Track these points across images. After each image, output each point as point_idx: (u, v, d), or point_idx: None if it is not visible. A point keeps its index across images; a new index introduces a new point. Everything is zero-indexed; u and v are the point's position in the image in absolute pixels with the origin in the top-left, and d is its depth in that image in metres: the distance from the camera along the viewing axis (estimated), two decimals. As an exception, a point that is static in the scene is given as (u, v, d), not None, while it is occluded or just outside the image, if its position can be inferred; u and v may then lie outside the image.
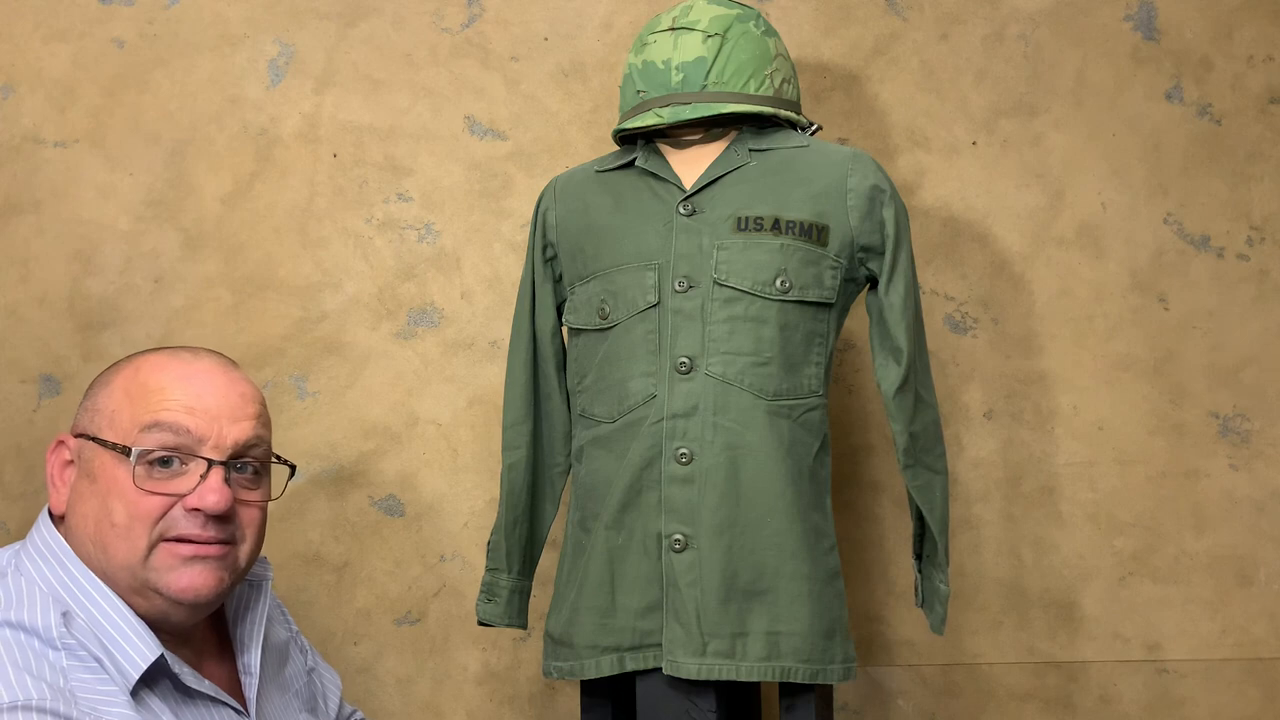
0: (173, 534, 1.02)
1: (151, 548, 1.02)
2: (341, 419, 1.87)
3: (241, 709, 1.07)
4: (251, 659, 1.10)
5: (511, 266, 1.88)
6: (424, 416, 1.87)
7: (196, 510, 1.03)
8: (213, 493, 1.03)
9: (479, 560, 1.83)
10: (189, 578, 1.02)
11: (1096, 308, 1.88)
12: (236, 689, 1.10)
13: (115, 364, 1.11)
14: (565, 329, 1.55)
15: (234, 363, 1.12)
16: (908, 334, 1.44)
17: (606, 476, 1.41)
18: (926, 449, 1.47)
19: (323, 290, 1.88)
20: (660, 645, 1.36)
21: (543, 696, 1.85)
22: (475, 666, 1.85)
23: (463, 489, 1.86)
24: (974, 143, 1.90)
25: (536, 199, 1.58)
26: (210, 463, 1.04)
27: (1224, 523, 1.85)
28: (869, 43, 1.91)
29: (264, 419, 1.10)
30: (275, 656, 1.19)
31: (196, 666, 1.06)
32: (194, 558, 1.03)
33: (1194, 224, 1.89)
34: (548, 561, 1.73)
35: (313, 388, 1.87)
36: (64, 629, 0.97)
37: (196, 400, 1.04)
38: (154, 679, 1.00)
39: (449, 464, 1.86)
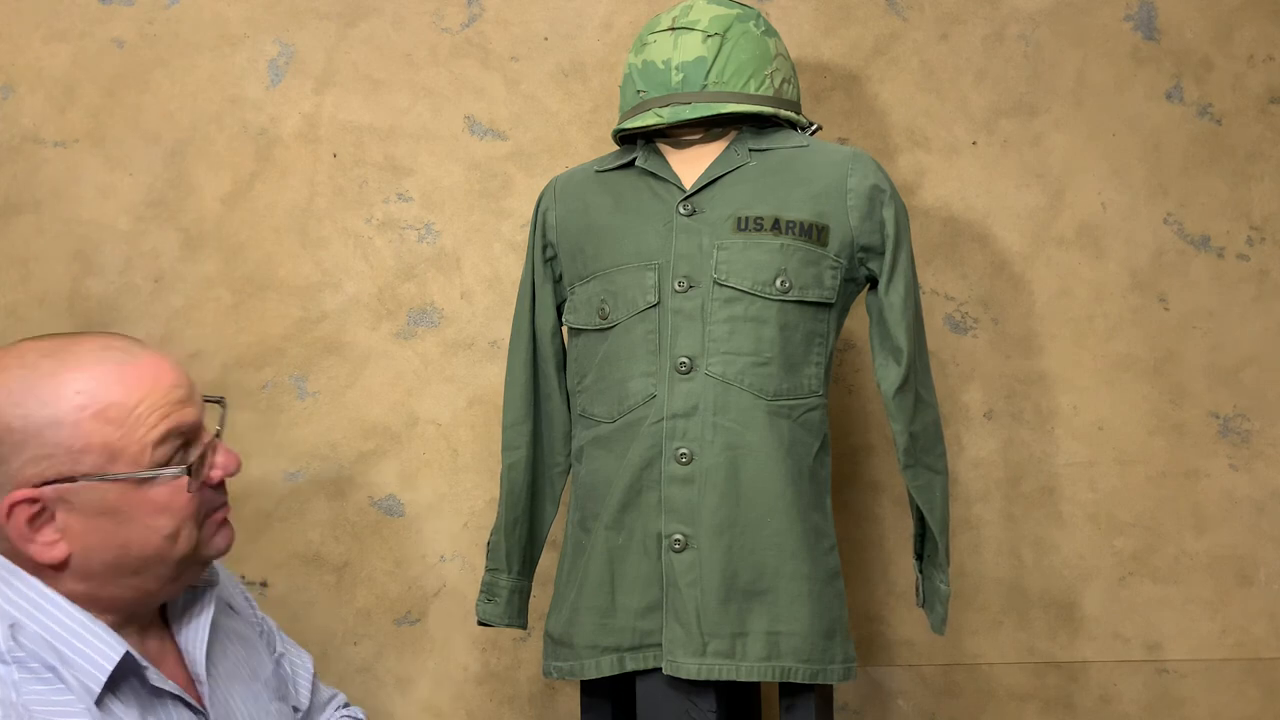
0: (207, 510, 1.06)
1: (200, 533, 1.05)
2: (341, 419, 1.87)
3: (201, 708, 1.06)
4: (199, 666, 1.09)
5: (511, 266, 1.88)
6: (424, 416, 1.87)
7: (219, 479, 1.06)
8: (226, 454, 1.07)
9: (479, 560, 1.83)
10: (224, 538, 1.08)
11: (1096, 308, 1.88)
12: (194, 689, 1.09)
13: (34, 400, 0.98)
14: (565, 329, 1.55)
15: (141, 340, 1.11)
16: (908, 334, 1.44)
17: (606, 476, 1.41)
18: (926, 449, 1.47)
19: (323, 290, 1.88)
20: (660, 645, 1.36)
21: (543, 696, 1.85)
22: (475, 666, 1.85)
23: (463, 489, 1.86)
24: (974, 143, 1.90)
25: (536, 199, 1.58)
26: (213, 438, 1.07)
27: (1224, 523, 1.85)
28: (869, 43, 1.91)
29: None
30: (239, 647, 1.18)
31: (157, 665, 1.05)
32: (225, 520, 1.08)
33: (1194, 224, 1.89)
34: (548, 561, 1.73)
35: (313, 388, 1.87)
36: (13, 642, 0.95)
37: (170, 393, 1.04)
38: (116, 682, 0.98)
39: (449, 464, 1.86)
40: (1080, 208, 1.89)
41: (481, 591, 1.57)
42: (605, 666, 1.38)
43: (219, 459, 1.06)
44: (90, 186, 1.88)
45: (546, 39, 1.92)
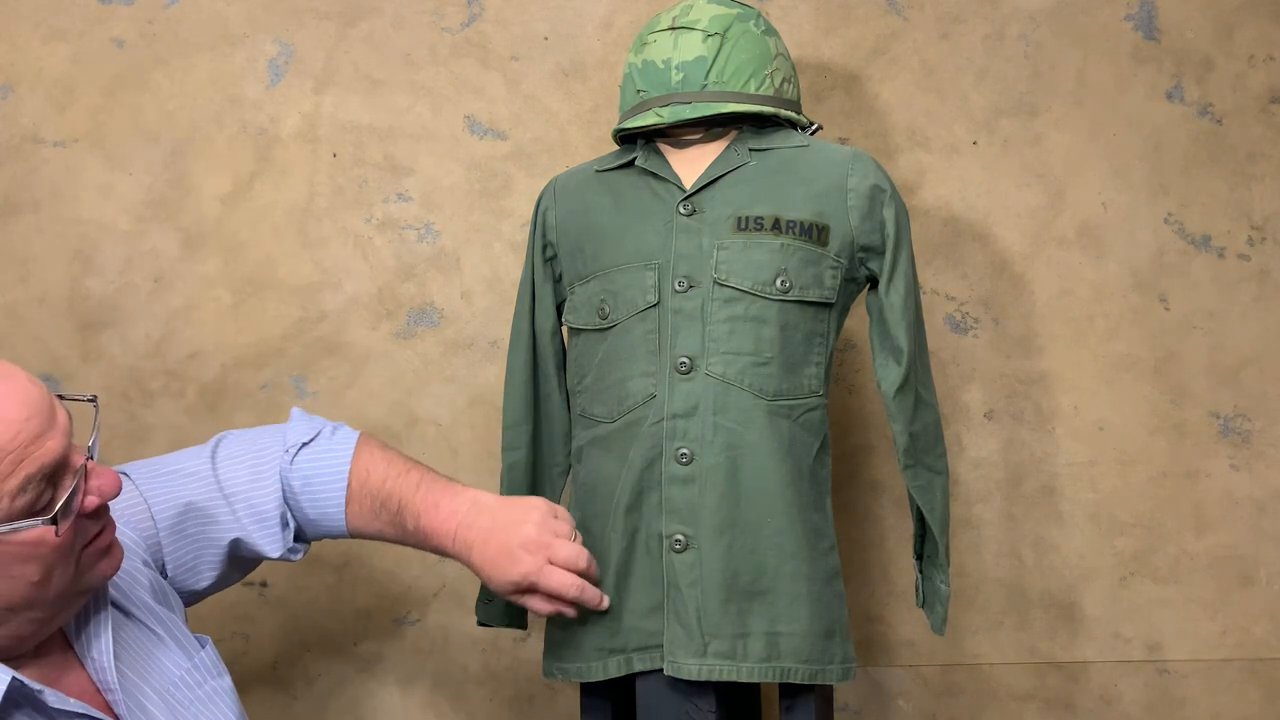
0: (85, 541, 0.96)
1: (79, 564, 0.95)
2: (341, 419, 1.86)
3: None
4: (105, 674, 1.01)
5: (511, 266, 1.88)
6: (424, 416, 1.87)
7: (95, 507, 0.95)
8: (102, 476, 0.95)
9: (479, 560, 1.83)
10: (109, 565, 0.98)
11: (1097, 308, 1.88)
12: (101, 698, 1.02)
13: None
14: (565, 329, 1.55)
15: None
16: (908, 334, 1.44)
17: (606, 477, 1.41)
18: (927, 449, 1.46)
19: (323, 290, 1.88)
20: (661, 646, 1.35)
21: (543, 697, 1.85)
22: (475, 667, 1.85)
23: (463, 489, 1.86)
24: (974, 142, 1.90)
25: (536, 199, 1.58)
26: (85, 462, 0.95)
27: (1225, 523, 1.85)
28: (869, 42, 1.91)
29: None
30: (144, 636, 1.09)
31: (55, 684, 0.97)
32: (109, 546, 0.98)
33: (1195, 224, 1.89)
34: (548, 562, 1.73)
35: (313, 388, 1.87)
36: None
37: (23, 430, 0.91)
38: (8, 713, 0.91)
39: (449, 464, 1.86)
40: (1081, 208, 1.89)
41: (481, 592, 1.56)
42: (613, 668, 1.37)
43: (94, 484, 0.94)
44: (90, 186, 1.88)
45: (546, 39, 1.91)
